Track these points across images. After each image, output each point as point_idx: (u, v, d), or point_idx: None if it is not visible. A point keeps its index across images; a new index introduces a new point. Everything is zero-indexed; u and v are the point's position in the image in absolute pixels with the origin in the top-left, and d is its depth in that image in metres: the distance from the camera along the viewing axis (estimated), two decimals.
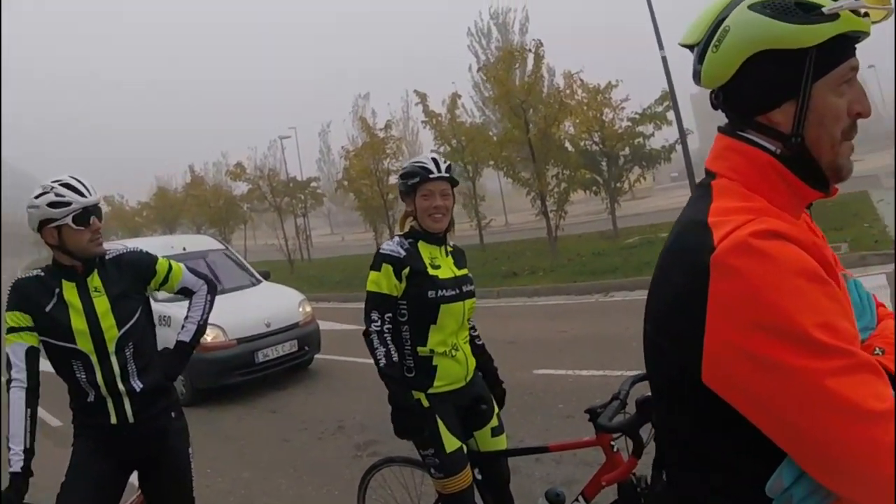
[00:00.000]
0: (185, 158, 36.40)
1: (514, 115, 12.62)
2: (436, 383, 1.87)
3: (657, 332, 0.74)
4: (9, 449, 1.64)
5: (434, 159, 1.92)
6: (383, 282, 1.84)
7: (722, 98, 0.75)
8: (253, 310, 5.73)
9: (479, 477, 1.97)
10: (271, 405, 5.11)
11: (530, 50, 14.00)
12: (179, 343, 2.01)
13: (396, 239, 1.93)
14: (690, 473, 0.75)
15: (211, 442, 4.18)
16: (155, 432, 1.88)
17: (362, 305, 1.90)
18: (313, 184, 22.83)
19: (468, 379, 1.95)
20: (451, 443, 1.84)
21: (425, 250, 1.90)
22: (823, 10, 0.65)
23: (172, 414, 1.96)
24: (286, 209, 21.62)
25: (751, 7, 0.68)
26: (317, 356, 6.00)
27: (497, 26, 18.19)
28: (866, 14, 0.67)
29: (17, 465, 1.62)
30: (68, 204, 1.71)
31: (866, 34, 0.69)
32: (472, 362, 1.98)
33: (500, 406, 2.10)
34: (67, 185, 1.74)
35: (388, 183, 16.18)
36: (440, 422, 1.84)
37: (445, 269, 1.92)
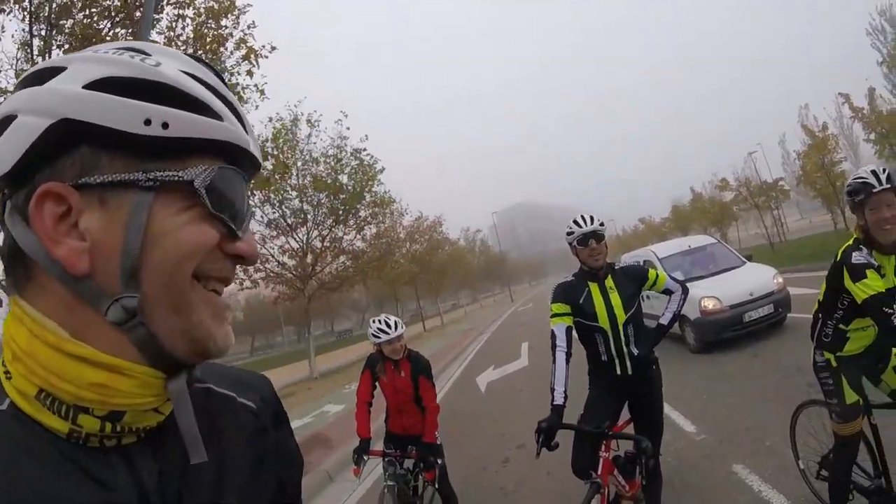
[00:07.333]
0: (687, 182, 50.14)
1: None
2: (846, 348, 2.20)
3: None
4: (552, 389, 2.35)
5: (874, 171, 1.96)
6: (877, 283, 1.92)
7: None
8: (740, 283, 7.23)
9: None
10: (754, 351, 6.41)
11: None
12: (660, 325, 2.65)
13: (864, 251, 2.00)
14: None
15: (707, 375, 5.87)
16: (643, 379, 2.62)
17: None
18: (780, 183, 28.64)
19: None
20: (850, 396, 2.16)
21: (878, 260, 2.01)
22: None
23: (654, 367, 2.68)
24: (763, 206, 28.87)
25: None
26: (789, 315, 7.18)
27: (888, 21, 19.67)
28: None
29: (559, 400, 2.33)
30: (572, 233, 2.57)
31: None
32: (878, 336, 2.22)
33: None
34: (576, 221, 2.58)
35: (834, 173, 21.31)
36: (843, 379, 2.17)
37: (889, 277, 2.00)
